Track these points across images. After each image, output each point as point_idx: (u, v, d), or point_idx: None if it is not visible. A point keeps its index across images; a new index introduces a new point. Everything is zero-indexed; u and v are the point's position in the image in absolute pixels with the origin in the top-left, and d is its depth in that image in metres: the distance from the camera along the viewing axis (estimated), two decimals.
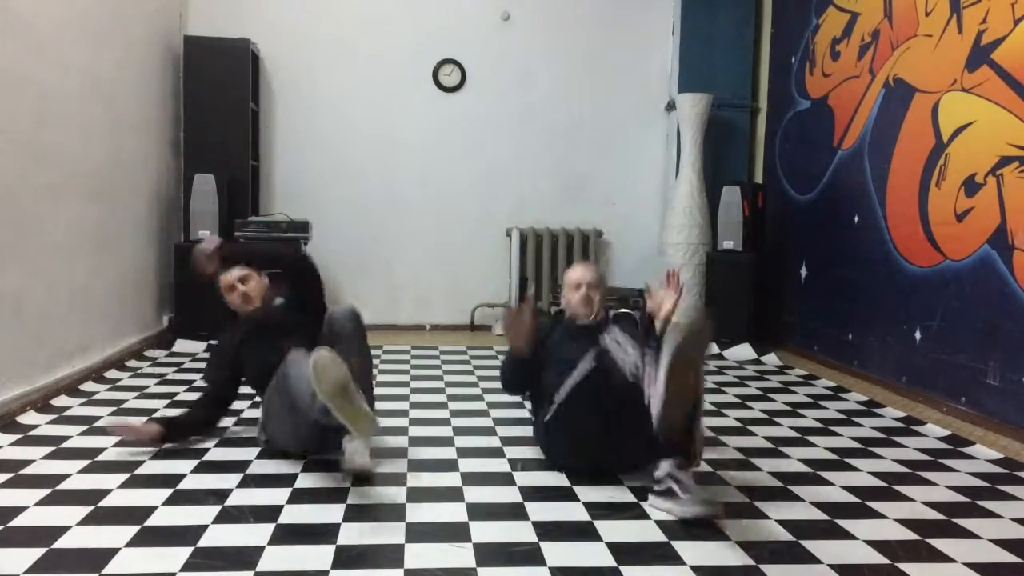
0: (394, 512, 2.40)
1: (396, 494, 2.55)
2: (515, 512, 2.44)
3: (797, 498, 2.62)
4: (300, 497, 2.51)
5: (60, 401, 3.62)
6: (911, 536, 2.32)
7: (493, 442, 3.15)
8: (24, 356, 3.48)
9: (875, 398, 4.11)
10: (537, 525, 2.33)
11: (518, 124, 6.15)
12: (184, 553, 2.08)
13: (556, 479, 2.72)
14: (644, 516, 2.42)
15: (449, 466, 2.85)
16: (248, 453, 2.92)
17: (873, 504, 2.58)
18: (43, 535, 2.17)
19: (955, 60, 3.80)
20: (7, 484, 2.57)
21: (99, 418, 3.37)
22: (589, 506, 2.49)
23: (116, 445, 2.95)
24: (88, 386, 3.93)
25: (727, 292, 5.34)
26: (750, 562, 2.11)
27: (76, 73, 4.04)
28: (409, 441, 3.15)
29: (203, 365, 4.52)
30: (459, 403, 3.83)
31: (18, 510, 2.35)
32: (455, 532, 2.27)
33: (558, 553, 2.14)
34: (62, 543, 2.14)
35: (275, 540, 2.18)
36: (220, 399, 3.13)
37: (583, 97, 6.18)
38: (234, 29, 5.58)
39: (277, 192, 6.00)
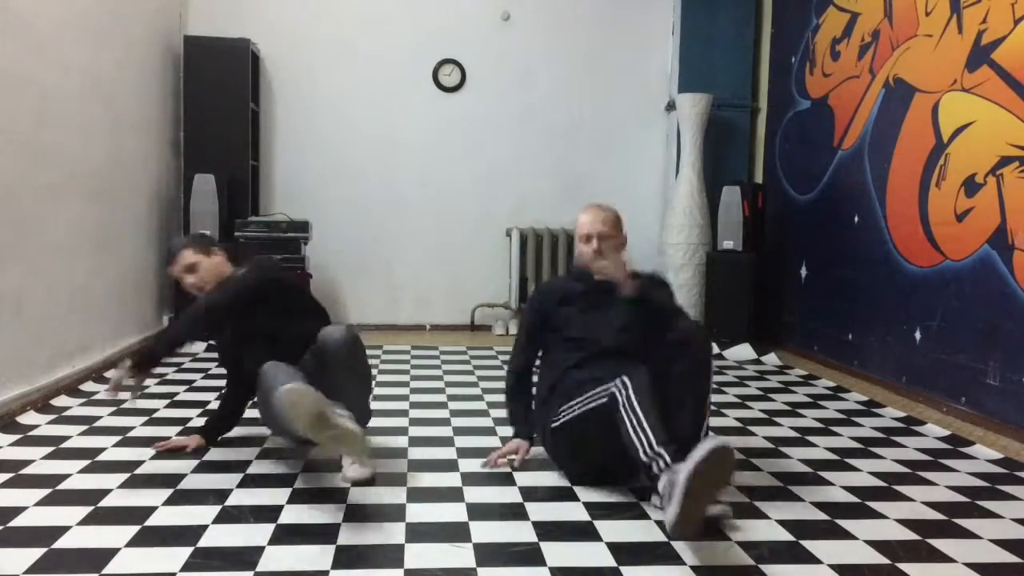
0: (394, 512, 2.40)
1: (396, 494, 2.55)
2: (515, 512, 2.43)
3: (797, 498, 2.61)
4: (300, 497, 2.51)
5: (60, 401, 3.62)
6: (911, 536, 2.32)
7: (493, 442, 3.14)
8: (24, 356, 3.48)
9: (875, 398, 4.11)
10: (537, 525, 2.32)
11: (518, 124, 6.15)
12: (184, 553, 2.08)
13: (556, 479, 2.72)
14: (644, 516, 2.41)
15: (449, 466, 2.85)
16: (248, 453, 2.92)
17: (873, 504, 2.57)
18: (43, 535, 2.17)
19: (955, 60, 3.80)
20: (7, 484, 2.57)
21: (99, 418, 3.37)
22: (589, 506, 2.49)
23: (154, 458, 2.85)
24: (88, 386, 3.93)
25: (727, 292, 5.35)
26: (750, 562, 2.11)
27: (76, 73, 4.04)
28: (409, 441, 3.15)
29: (203, 365, 4.54)
30: (459, 403, 3.83)
31: (18, 510, 2.35)
32: (455, 532, 2.27)
33: (558, 553, 2.14)
34: (62, 543, 2.13)
35: (275, 540, 2.18)
36: (238, 386, 2.98)
37: (583, 97, 6.18)
38: (234, 29, 5.58)
39: (277, 192, 6.00)
